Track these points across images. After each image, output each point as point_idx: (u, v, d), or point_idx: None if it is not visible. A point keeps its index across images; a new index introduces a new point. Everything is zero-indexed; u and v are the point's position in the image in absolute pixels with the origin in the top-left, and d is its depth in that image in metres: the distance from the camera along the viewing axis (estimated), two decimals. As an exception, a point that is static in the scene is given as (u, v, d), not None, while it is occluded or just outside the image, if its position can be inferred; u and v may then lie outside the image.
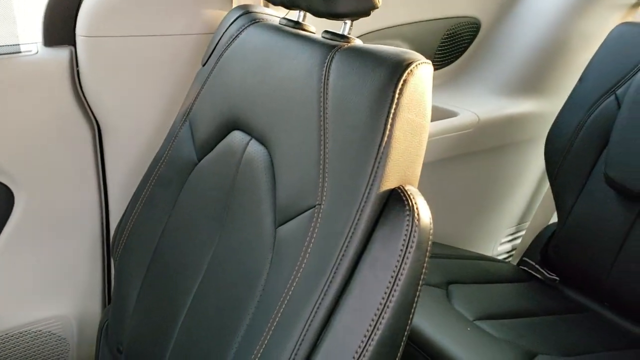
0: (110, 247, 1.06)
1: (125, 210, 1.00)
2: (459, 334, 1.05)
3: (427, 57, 1.52)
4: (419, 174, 0.70)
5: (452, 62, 1.53)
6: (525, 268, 1.40)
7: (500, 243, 1.74)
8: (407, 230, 0.63)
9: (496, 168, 1.58)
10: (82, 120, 1.04)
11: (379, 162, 0.65)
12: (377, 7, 0.74)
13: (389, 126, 0.65)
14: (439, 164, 1.43)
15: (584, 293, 1.32)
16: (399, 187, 0.66)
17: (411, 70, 0.66)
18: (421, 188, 1.45)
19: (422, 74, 0.67)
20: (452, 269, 1.28)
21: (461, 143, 1.42)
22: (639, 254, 1.22)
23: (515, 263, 1.46)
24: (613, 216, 1.27)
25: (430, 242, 0.65)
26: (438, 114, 1.42)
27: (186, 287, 0.86)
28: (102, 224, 1.14)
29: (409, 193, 0.66)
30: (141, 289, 0.95)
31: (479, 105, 1.47)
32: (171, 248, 0.92)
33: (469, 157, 1.48)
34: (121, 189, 1.11)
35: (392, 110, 0.65)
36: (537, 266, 1.38)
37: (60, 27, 1.00)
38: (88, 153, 1.07)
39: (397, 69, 0.66)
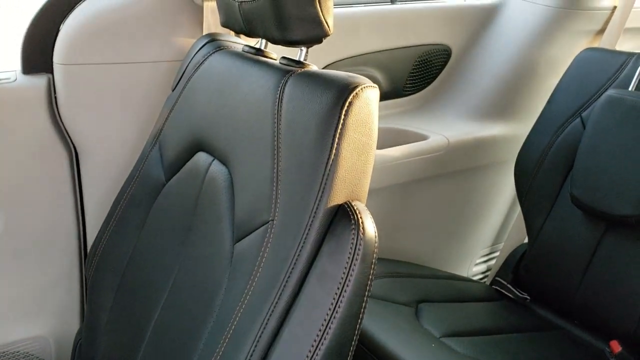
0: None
1: (99, 231, 1.03)
2: (423, 350, 1.07)
3: (399, 84, 1.56)
4: (367, 190, 0.73)
5: (423, 88, 1.58)
6: (497, 287, 1.42)
7: (475, 264, 1.76)
8: (352, 244, 0.67)
9: (468, 190, 1.61)
10: (59, 145, 1.08)
11: (326, 179, 0.69)
12: (329, 35, 0.78)
13: (335, 145, 0.69)
14: (410, 185, 1.46)
15: (554, 311, 1.35)
16: (346, 203, 0.70)
17: (357, 93, 0.71)
18: (394, 209, 1.49)
19: (367, 97, 0.72)
20: (423, 288, 1.30)
21: (432, 165, 1.46)
22: (605, 272, 1.25)
23: (489, 283, 1.49)
24: (580, 235, 1.30)
25: (375, 256, 0.69)
26: (408, 137, 1.46)
27: (152, 305, 0.89)
28: (79, 245, 1.17)
29: (355, 208, 0.69)
30: (112, 307, 0.97)
31: (449, 129, 1.51)
32: (140, 267, 0.95)
33: (440, 179, 1.52)
34: (98, 211, 1.14)
35: (339, 130, 0.69)
36: (508, 285, 1.40)
37: (38, 56, 1.05)
38: (65, 176, 1.11)
39: (343, 92, 0.70)
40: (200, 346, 0.77)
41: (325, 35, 0.78)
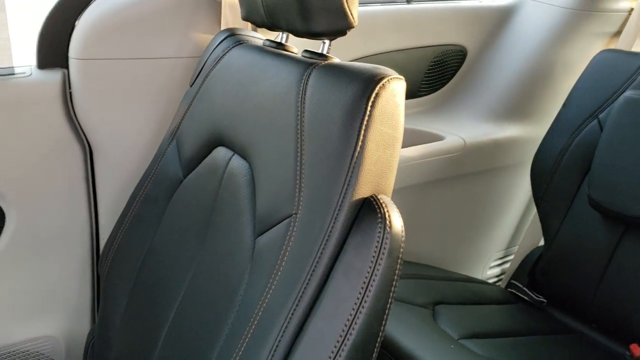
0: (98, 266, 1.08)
1: (113, 229, 1.02)
2: (443, 352, 1.05)
3: (415, 84, 1.55)
4: (392, 184, 0.72)
5: (439, 88, 1.57)
6: (513, 290, 1.40)
7: (490, 267, 1.74)
8: (378, 238, 0.65)
9: (483, 191, 1.60)
10: (74, 141, 1.07)
11: (351, 172, 0.67)
12: (354, 27, 0.77)
13: (361, 137, 0.68)
14: (426, 186, 1.45)
15: (571, 315, 1.33)
16: (371, 196, 0.68)
17: (383, 85, 0.69)
18: (409, 210, 1.48)
19: (394, 88, 0.70)
20: (439, 289, 1.29)
21: (448, 166, 1.45)
22: (623, 275, 1.23)
23: (504, 286, 1.47)
24: (598, 238, 1.28)
25: (401, 250, 0.67)
26: (424, 137, 1.45)
27: (169, 302, 0.88)
28: (92, 243, 1.15)
29: (381, 202, 0.67)
30: (127, 306, 0.96)
31: (465, 130, 1.50)
32: (156, 264, 0.93)
33: (456, 181, 1.50)
34: (111, 209, 1.13)
35: (365, 122, 0.68)
36: (524, 288, 1.38)
37: (53, 50, 1.04)
38: (79, 173, 1.10)
39: (369, 83, 0.69)
40: (221, 342, 0.75)
41: (350, 26, 0.76)
